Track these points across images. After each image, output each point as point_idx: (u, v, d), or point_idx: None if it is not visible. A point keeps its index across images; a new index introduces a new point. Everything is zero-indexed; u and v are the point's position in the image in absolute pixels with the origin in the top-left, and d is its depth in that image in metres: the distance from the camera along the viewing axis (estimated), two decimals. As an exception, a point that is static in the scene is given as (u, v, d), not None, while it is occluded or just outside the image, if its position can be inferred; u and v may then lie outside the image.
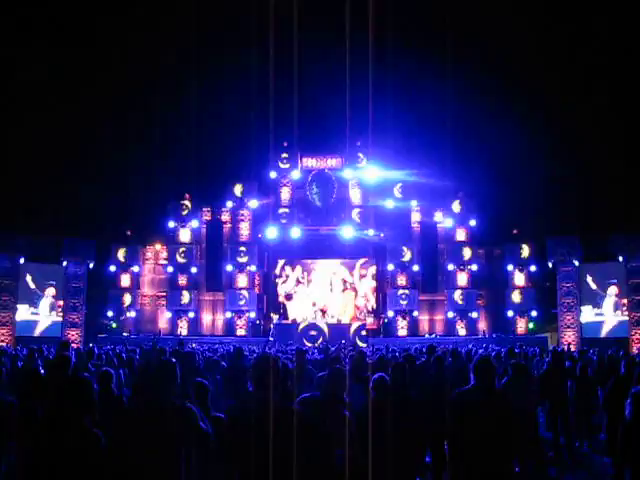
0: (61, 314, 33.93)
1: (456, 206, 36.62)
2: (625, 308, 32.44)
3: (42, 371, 7.68)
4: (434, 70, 35.86)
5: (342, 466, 5.15)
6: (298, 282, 37.37)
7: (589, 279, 33.54)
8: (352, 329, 32.66)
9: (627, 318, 32.22)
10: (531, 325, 35.67)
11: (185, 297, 35.86)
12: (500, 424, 5.44)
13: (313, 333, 32.07)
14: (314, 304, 36.10)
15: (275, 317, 35.62)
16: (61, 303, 33.98)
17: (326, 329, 32.28)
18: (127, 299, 36.03)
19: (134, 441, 4.61)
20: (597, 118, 35.38)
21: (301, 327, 32.56)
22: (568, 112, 36.68)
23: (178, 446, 4.67)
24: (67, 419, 4.25)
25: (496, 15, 36.32)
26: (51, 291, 33.72)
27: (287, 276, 37.64)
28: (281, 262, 37.80)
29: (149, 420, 4.70)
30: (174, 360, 5.25)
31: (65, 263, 34.22)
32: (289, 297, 37.23)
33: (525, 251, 35.99)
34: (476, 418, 5.41)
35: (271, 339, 30.98)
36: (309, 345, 27.32)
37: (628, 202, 32.48)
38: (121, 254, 36.34)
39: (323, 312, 35.07)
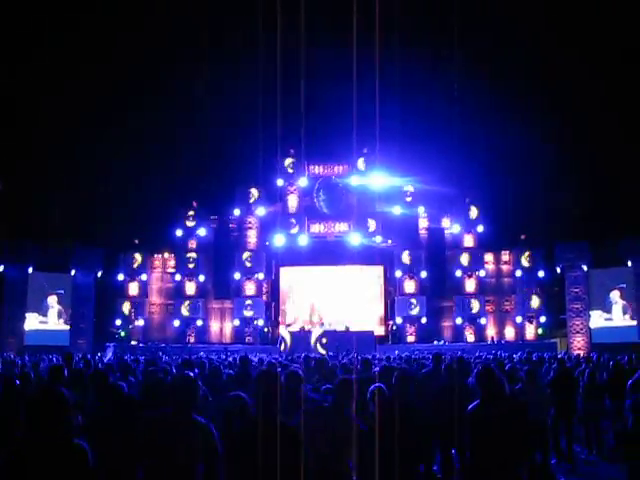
0: (69, 323, 34.03)
1: (463, 212, 36.56)
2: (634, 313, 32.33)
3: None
4: (440, 76, 35.90)
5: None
6: (305, 289, 37.32)
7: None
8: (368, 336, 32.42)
9: (636, 323, 32.09)
10: (540, 331, 35.51)
11: (193, 305, 35.89)
12: (516, 430, 5.44)
13: (324, 341, 31.81)
14: (312, 313, 36.06)
15: (283, 325, 35.55)
16: (69, 312, 34.09)
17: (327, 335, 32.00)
18: (133, 307, 36.01)
19: (145, 455, 4.59)
20: (605, 122, 35.28)
21: (314, 336, 32.11)
22: (576, 116, 36.57)
23: (190, 465, 4.63)
24: (46, 433, 4.15)
25: (505, 24, 36.32)
26: (54, 299, 33.77)
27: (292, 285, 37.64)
28: (288, 269, 37.79)
29: (162, 435, 4.68)
30: (192, 375, 5.19)
31: (73, 272, 34.34)
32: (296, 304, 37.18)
33: (533, 257, 35.84)
34: (493, 431, 5.41)
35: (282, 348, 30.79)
36: (323, 352, 27.04)
37: (636, 206, 32.32)
38: (137, 259, 36.38)
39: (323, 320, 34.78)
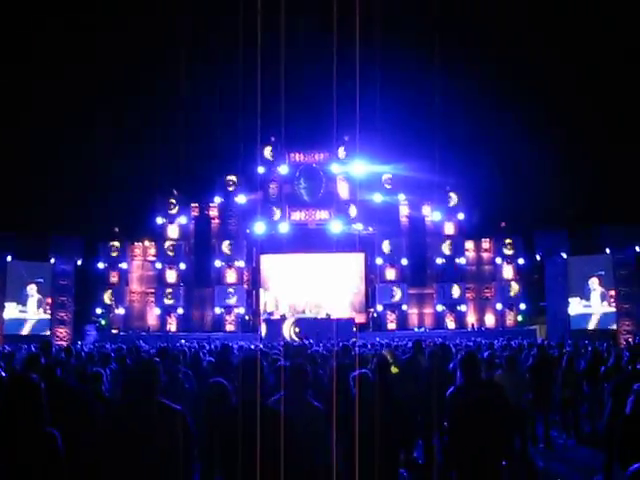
0: (49, 312, 33.81)
1: (444, 200, 36.62)
2: (612, 300, 32.58)
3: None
4: (421, 63, 35.84)
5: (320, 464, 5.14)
6: (286, 277, 37.32)
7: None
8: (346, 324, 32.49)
9: (614, 310, 32.37)
10: (520, 318, 35.74)
11: (174, 293, 35.78)
12: (495, 415, 5.48)
13: (297, 330, 31.84)
14: (293, 300, 36.10)
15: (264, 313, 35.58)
16: (49, 300, 33.86)
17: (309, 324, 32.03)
18: (114, 296, 35.85)
19: (118, 445, 4.57)
20: (583, 113, 35.49)
21: (290, 322, 32.18)
22: (555, 107, 36.76)
23: (167, 452, 4.62)
24: (16, 422, 4.11)
25: (490, 10, 36.34)
26: (33, 288, 33.52)
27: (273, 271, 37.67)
28: (269, 257, 37.80)
29: (135, 422, 4.64)
30: (157, 359, 5.21)
31: (53, 260, 34.08)
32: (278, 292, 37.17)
33: (513, 244, 36.02)
34: (472, 416, 5.45)
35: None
36: (297, 340, 27.05)
37: (614, 194, 32.61)
38: (114, 249, 36.18)
39: (312, 307, 35.04)
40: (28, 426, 4.13)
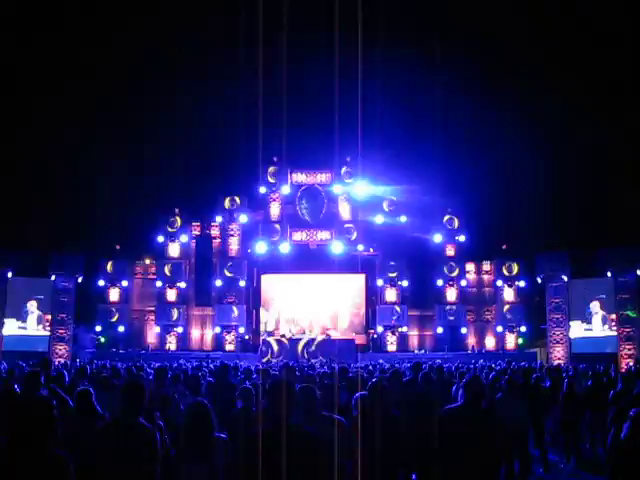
0: (49, 328, 33.70)
1: (445, 222, 36.63)
2: (614, 323, 32.46)
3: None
4: (424, 86, 36.03)
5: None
6: (287, 297, 37.28)
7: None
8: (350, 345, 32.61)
9: (616, 333, 32.24)
10: (520, 341, 35.63)
11: (174, 312, 35.66)
12: (486, 441, 5.46)
13: (313, 349, 31.99)
14: (293, 321, 36.06)
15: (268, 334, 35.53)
16: (49, 317, 33.75)
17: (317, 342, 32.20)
18: (114, 314, 35.77)
19: (100, 461, 4.68)
20: (586, 135, 35.55)
21: (302, 343, 32.47)
22: (556, 130, 36.85)
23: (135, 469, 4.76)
24: (29, 444, 4.08)
25: (487, 30, 36.56)
26: (33, 304, 33.44)
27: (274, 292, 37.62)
28: (270, 276, 37.74)
29: (113, 440, 4.87)
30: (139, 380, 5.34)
31: (53, 277, 34.01)
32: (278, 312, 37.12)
33: (514, 267, 36.00)
34: (463, 435, 5.44)
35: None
36: (312, 361, 26.93)
37: (616, 217, 32.57)
38: (109, 267, 36.15)
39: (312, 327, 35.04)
40: (40, 448, 4.11)
